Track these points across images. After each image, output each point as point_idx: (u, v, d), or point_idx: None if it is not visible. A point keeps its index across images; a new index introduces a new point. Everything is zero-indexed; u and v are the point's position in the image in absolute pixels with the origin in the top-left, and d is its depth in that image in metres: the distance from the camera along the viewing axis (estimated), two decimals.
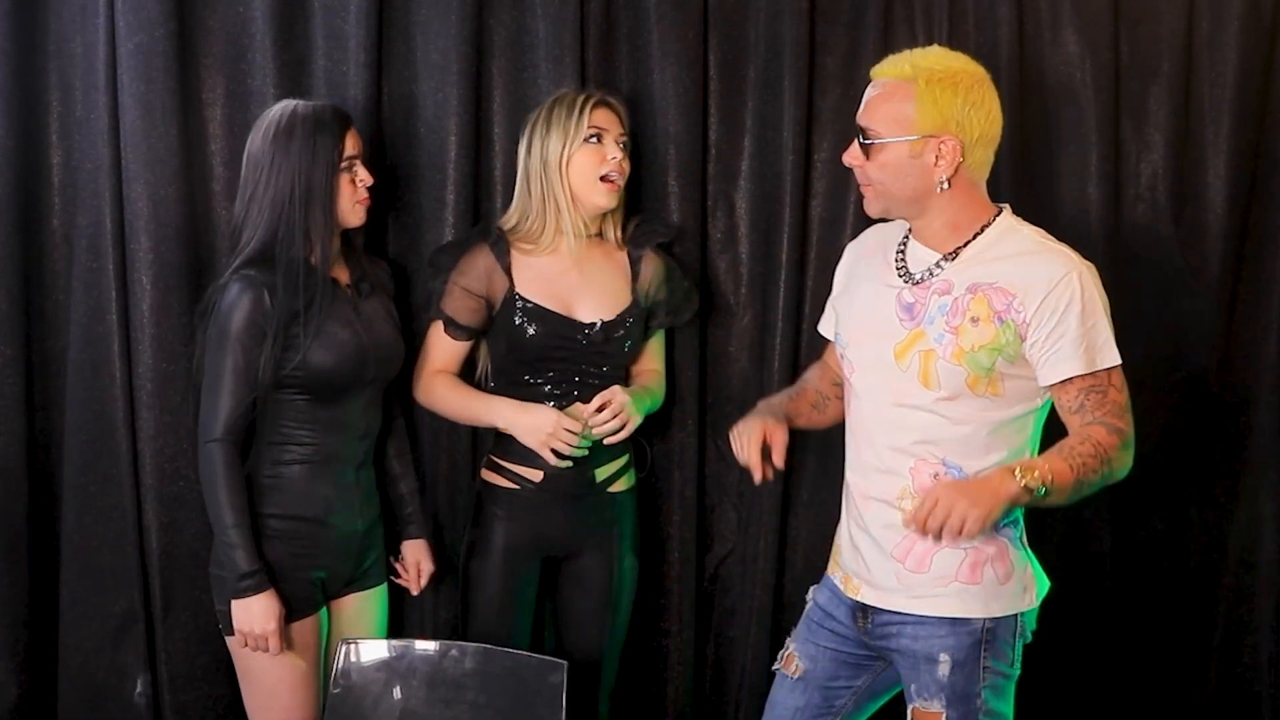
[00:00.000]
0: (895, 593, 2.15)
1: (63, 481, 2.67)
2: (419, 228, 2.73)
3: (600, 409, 2.48)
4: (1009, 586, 2.12)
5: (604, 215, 2.57)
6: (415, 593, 2.65)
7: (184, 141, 2.58)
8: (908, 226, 2.18)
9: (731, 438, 2.26)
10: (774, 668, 2.37)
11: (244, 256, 2.30)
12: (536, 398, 2.52)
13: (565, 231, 2.51)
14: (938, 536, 1.95)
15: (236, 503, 2.29)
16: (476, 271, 2.51)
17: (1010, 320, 2.03)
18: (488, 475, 2.59)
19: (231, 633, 2.37)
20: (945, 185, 2.06)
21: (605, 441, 2.51)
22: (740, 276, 2.88)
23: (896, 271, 2.17)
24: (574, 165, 2.48)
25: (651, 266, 2.63)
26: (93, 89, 2.56)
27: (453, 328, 2.53)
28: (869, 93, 2.12)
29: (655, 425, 2.63)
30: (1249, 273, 2.99)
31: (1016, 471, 1.96)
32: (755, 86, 2.83)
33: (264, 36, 2.61)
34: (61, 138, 2.63)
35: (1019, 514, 2.14)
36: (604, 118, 2.51)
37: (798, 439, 2.88)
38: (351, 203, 2.38)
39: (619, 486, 2.61)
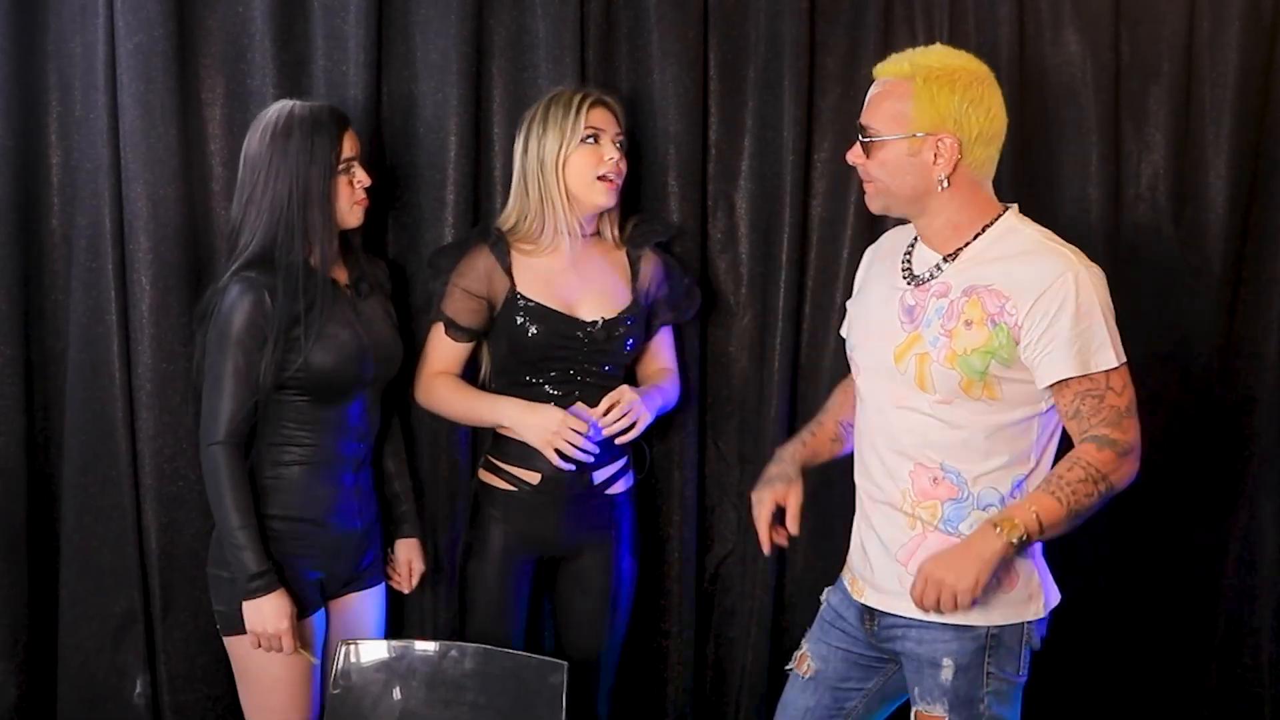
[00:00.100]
0: (898, 596, 2.14)
1: (62, 482, 2.67)
2: (419, 228, 2.73)
3: (609, 410, 2.47)
4: (1012, 595, 2.09)
5: (602, 214, 2.57)
6: (406, 591, 2.65)
7: (183, 141, 2.58)
8: None
9: (753, 500, 2.30)
10: (787, 668, 2.37)
11: (243, 259, 2.30)
12: (538, 397, 2.52)
13: (563, 231, 2.51)
14: (939, 611, 2.00)
15: (242, 504, 2.29)
16: (477, 272, 2.51)
17: (1003, 323, 2.01)
18: (485, 476, 2.59)
19: (230, 633, 2.37)
20: (944, 184, 2.05)
21: (616, 441, 2.50)
22: (740, 276, 2.88)
23: (902, 273, 2.17)
24: (571, 165, 2.48)
25: (651, 265, 2.63)
26: (92, 89, 2.56)
27: (454, 329, 2.53)
28: (870, 91, 2.12)
29: (655, 426, 2.63)
30: (1250, 273, 2.99)
31: (997, 527, 1.98)
32: (755, 86, 2.83)
33: (263, 36, 2.61)
34: (61, 138, 2.63)
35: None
36: (601, 117, 2.51)
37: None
38: (349, 204, 2.38)
39: (617, 488, 2.61)
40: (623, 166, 2.52)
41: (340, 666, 2.37)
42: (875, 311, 2.20)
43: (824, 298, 2.86)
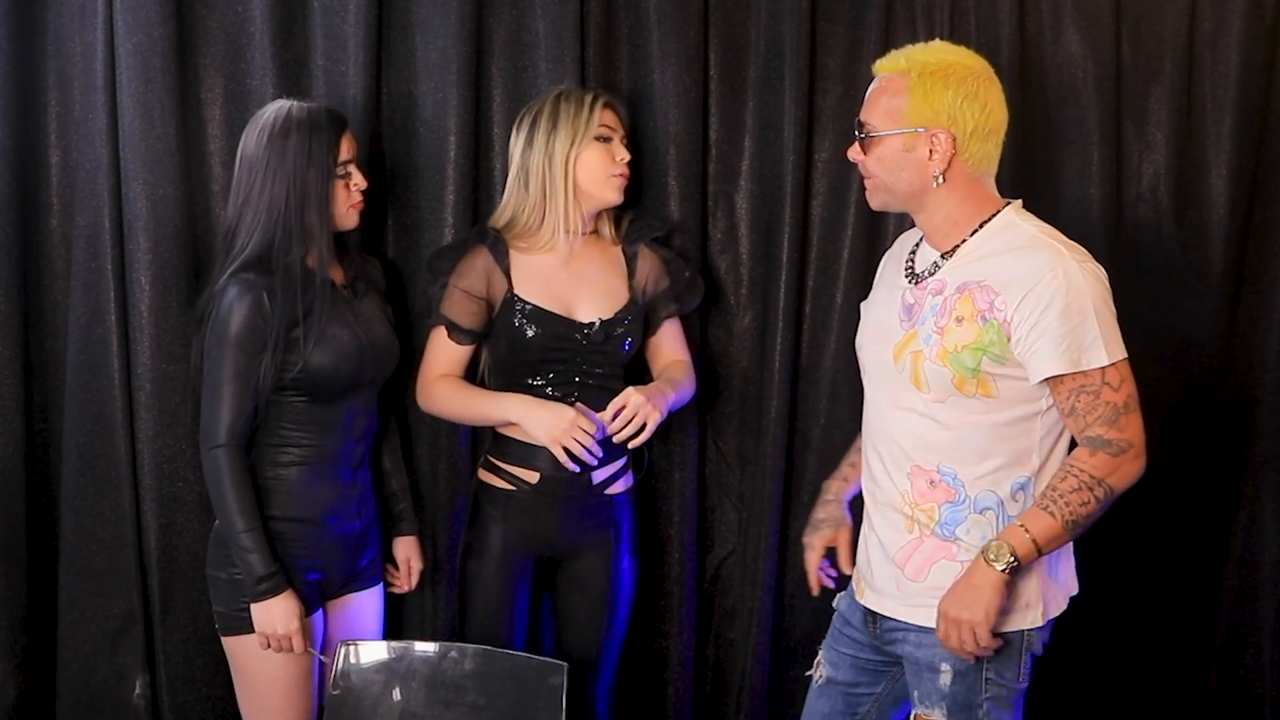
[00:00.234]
0: (893, 599, 2.14)
1: (61, 483, 2.67)
2: (418, 228, 2.72)
3: (616, 414, 2.45)
4: (1011, 603, 2.06)
5: (601, 212, 2.57)
6: (406, 590, 2.65)
7: (183, 141, 2.58)
8: None
9: (804, 544, 2.38)
10: (806, 674, 2.37)
11: (240, 260, 2.29)
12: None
13: (564, 228, 2.51)
14: (971, 656, 2.03)
15: (246, 507, 2.28)
16: (476, 273, 2.50)
17: (993, 319, 1.99)
18: (484, 476, 2.58)
19: (229, 634, 2.37)
20: (940, 180, 2.04)
21: (630, 445, 2.48)
22: (740, 277, 2.87)
23: (904, 272, 2.17)
24: (583, 162, 2.47)
25: (648, 262, 2.63)
26: (91, 89, 2.56)
27: (455, 332, 2.52)
28: (869, 87, 2.12)
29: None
30: (1251, 273, 2.99)
31: (989, 555, 1.98)
32: (756, 86, 2.83)
33: (263, 36, 2.60)
34: (60, 137, 2.63)
35: None
36: (611, 118, 2.51)
37: (799, 440, 2.89)
38: (345, 207, 2.37)
39: (617, 488, 2.60)
40: (629, 168, 2.54)
41: (340, 667, 2.36)
42: (879, 312, 2.20)
43: (824, 298, 2.86)
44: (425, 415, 2.64)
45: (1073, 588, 2.18)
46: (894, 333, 2.12)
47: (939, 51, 2.08)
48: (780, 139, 2.78)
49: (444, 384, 2.53)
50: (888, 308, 2.17)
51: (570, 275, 2.54)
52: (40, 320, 2.66)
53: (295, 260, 2.29)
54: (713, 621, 2.98)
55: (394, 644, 2.42)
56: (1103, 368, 1.97)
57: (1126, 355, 2.00)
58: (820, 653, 2.34)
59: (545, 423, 2.44)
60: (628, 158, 2.52)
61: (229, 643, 2.39)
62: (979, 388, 2.02)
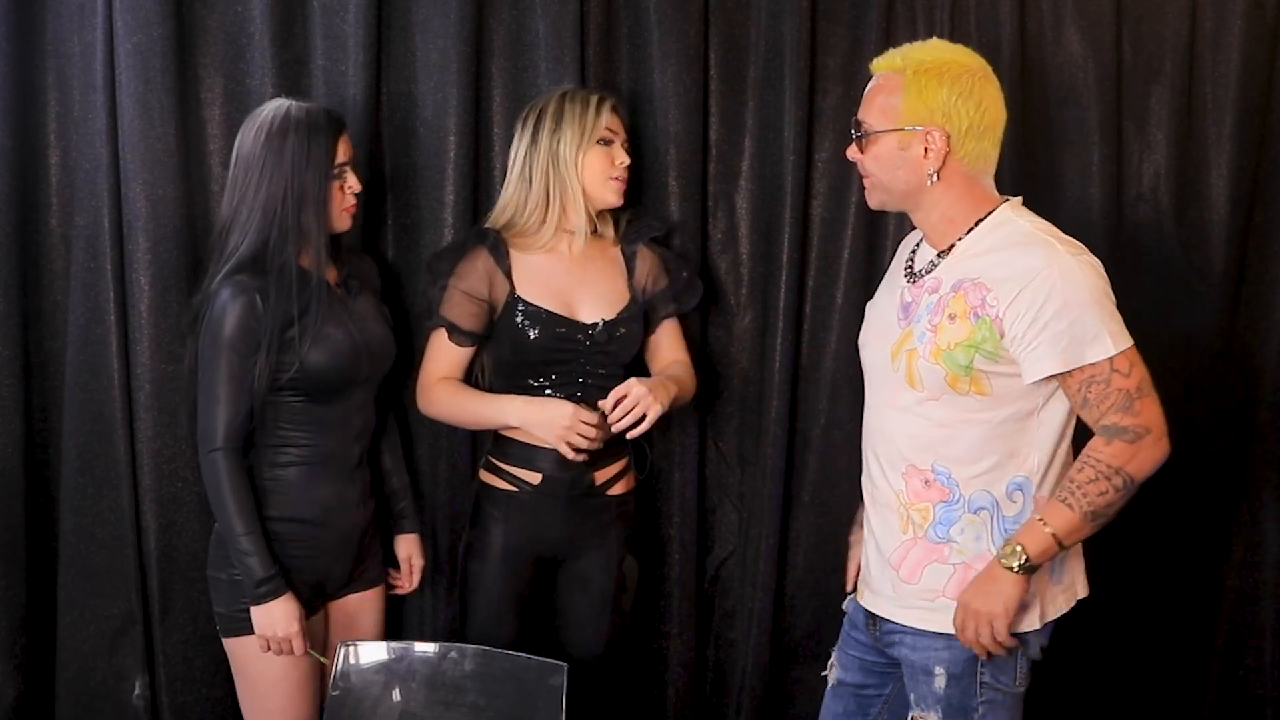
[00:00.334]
0: (889, 600, 2.15)
1: (60, 483, 2.66)
2: (418, 228, 2.72)
3: (617, 404, 2.44)
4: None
5: (600, 212, 2.57)
6: (407, 590, 2.64)
7: (182, 141, 2.58)
8: None
9: (850, 542, 2.38)
10: (822, 674, 2.37)
11: (234, 261, 2.28)
12: None
13: (568, 228, 2.51)
14: (985, 652, 2.03)
15: (245, 510, 2.27)
16: (477, 274, 2.49)
17: (985, 316, 1.98)
18: (486, 477, 2.58)
19: (230, 635, 2.37)
20: (934, 178, 2.04)
21: (628, 435, 2.47)
22: (741, 277, 2.87)
23: (904, 271, 2.17)
24: (586, 163, 2.47)
25: (647, 261, 2.62)
26: (91, 88, 2.56)
27: (457, 333, 2.51)
28: (867, 86, 2.12)
29: (656, 426, 2.62)
30: (1252, 273, 2.99)
31: (1002, 556, 1.99)
32: (756, 86, 2.83)
33: (262, 36, 2.60)
34: (59, 137, 2.62)
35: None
36: (615, 122, 2.51)
37: (799, 440, 2.89)
38: (339, 210, 2.36)
39: (619, 489, 2.60)
40: (628, 171, 2.54)
41: (339, 668, 2.36)
42: (880, 311, 2.20)
43: (824, 298, 2.86)
44: (425, 416, 2.64)
45: (1080, 590, 2.16)
46: (892, 331, 2.12)
47: (936, 49, 2.08)
48: (780, 139, 2.78)
49: (444, 387, 2.53)
50: (888, 307, 2.17)
51: (571, 276, 2.53)
52: (39, 320, 2.65)
53: (290, 260, 2.28)
54: (713, 622, 2.98)
55: (394, 644, 2.41)
56: (1110, 357, 1.95)
57: (1132, 342, 1.98)
58: (833, 654, 2.34)
59: (547, 422, 2.44)
60: (627, 162, 2.52)
61: (230, 644, 2.39)
62: (972, 385, 2.01)
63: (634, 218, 2.64)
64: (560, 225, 2.51)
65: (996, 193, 2.10)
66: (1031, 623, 2.09)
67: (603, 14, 2.76)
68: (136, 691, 2.68)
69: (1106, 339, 1.95)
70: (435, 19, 2.65)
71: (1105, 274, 2.01)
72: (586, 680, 2.61)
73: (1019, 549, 1.98)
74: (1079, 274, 1.97)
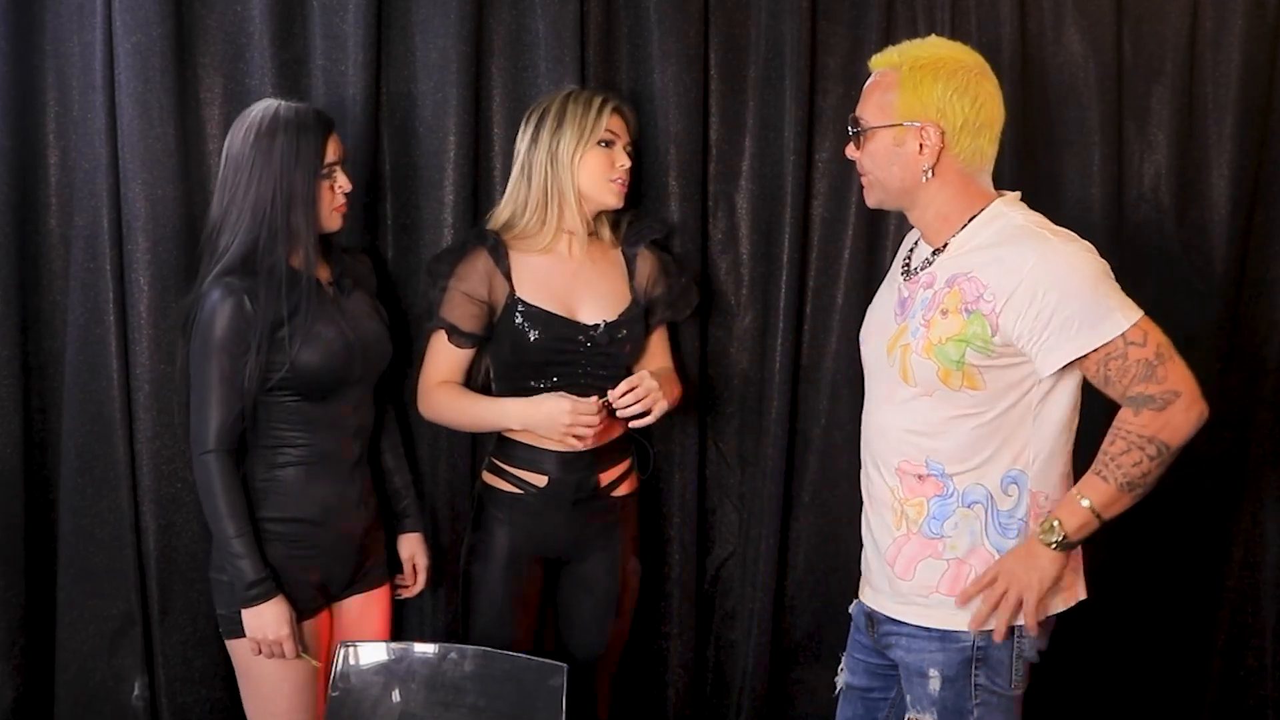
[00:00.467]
0: (887, 596, 2.15)
1: (59, 484, 2.66)
2: (418, 228, 2.72)
3: (626, 393, 2.43)
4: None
5: (599, 214, 2.56)
6: (415, 593, 2.63)
7: (181, 141, 2.57)
8: None
9: None
10: (834, 678, 2.37)
11: (224, 262, 2.27)
12: None
13: (567, 229, 2.50)
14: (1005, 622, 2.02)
15: (237, 512, 2.27)
16: (477, 276, 2.49)
17: (979, 311, 1.97)
18: (489, 479, 2.57)
19: (232, 637, 2.36)
20: (929, 174, 2.04)
21: (631, 424, 2.47)
22: (741, 277, 2.87)
23: (902, 268, 2.17)
24: (585, 164, 2.47)
25: (648, 263, 2.62)
26: (90, 88, 2.55)
27: (457, 335, 2.50)
28: (865, 83, 2.11)
29: (656, 426, 2.62)
30: (1253, 273, 2.98)
31: (1039, 534, 1.99)
32: (756, 86, 2.82)
33: (262, 36, 2.60)
34: (59, 137, 2.62)
35: (1018, 530, 2.07)
36: (617, 124, 2.51)
37: (800, 440, 2.88)
38: (329, 209, 2.35)
39: (623, 490, 2.60)
40: (629, 176, 2.53)
41: (339, 669, 2.35)
42: (879, 308, 2.21)
43: (825, 298, 2.85)
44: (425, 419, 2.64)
45: (1079, 592, 2.14)
46: (888, 327, 2.12)
47: (934, 46, 2.08)
48: (781, 139, 2.77)
49: (444, 391, 2.52)
50: (884, 303, 2.18)
51: (571, 277, 2.53)
52: (39, 321, 2.65)
53: (279, 260, 2.28)
54: (713, 623, 2.97)
55: (393, 645, 2.41)
56: (1122, 332, 1.94)
57: (1143, 313, 1.97)
58: (842, 660, 2.34)
59: (547, 419, 2.43)
60: (628, 164, 2.51)
61: (233, 646, 2.38)
62: (965, 380, 2.01)
63: (634, 220, 2.64)
64: (560, 226, 2.50)
65: (993, 190, 2.10)
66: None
67: (603, 14, 2.76)
68: (136, 692, 2.67)
69: (1115, 314, 1.95)
70: (435, 19, 2.65)
71: (1101, 258, 2.01)
72: (590, 682, 2.61)
73: (1056, 524, 1.99)
74: (1073, 260, 1.97)
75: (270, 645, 2.29)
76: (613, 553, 2.59)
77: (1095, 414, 2.07)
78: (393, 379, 2.56)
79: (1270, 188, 2.95)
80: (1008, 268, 1.96)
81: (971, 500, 2.05)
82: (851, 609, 2.33)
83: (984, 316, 1.97)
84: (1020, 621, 2.03)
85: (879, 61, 2.09)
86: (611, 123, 2.49)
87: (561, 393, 2.45)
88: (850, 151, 2.13)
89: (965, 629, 2.06)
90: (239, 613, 2.31)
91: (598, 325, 2.51)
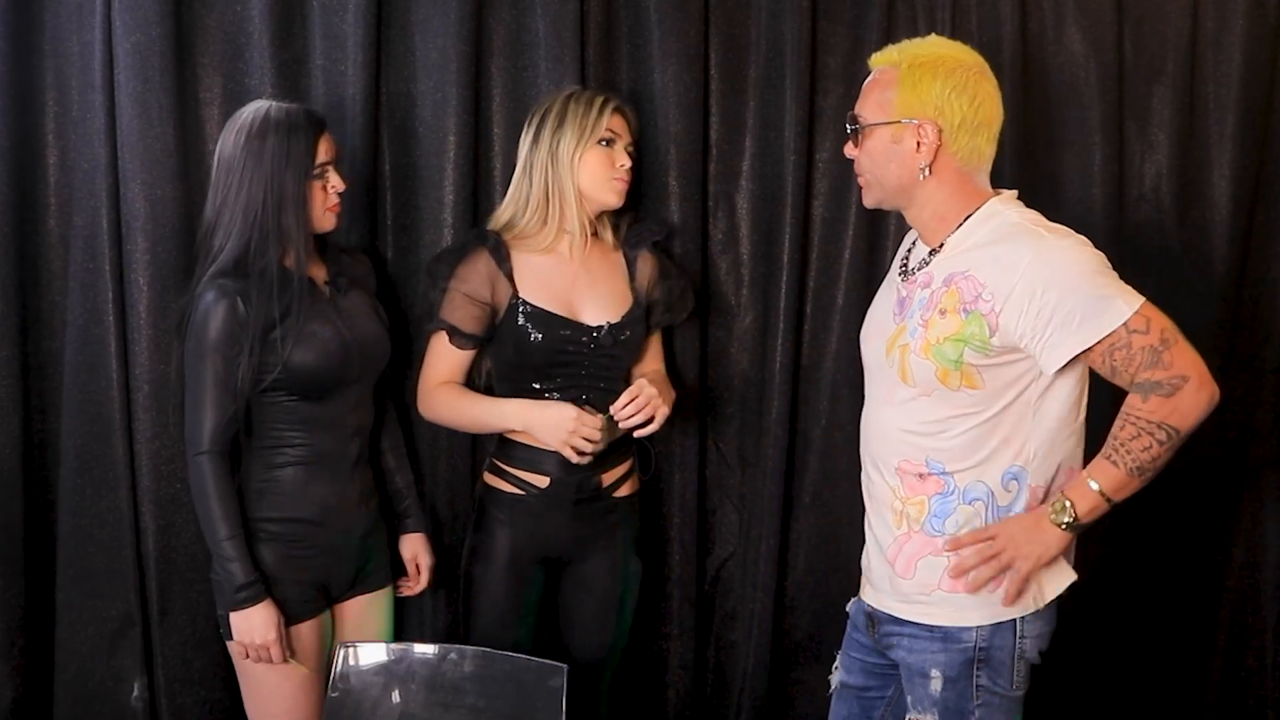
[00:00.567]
0: (888, 595, 2.15)
1: (59, 484, 2.66)
2: (418, 228, 2.71)
3: (628, 404, 2.42)
4: (995, 595, 2.06)
5: (600, 215, 2.56)
6: (418, 592, 2.63)
7: (181, 141, 2.57)
8: None
9: None
10: (829, 677, 2.37)
11: (217, 264, 2.27)
12: None
13: (568, 229, 2.50)
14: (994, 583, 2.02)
15: (229, 515, 2.27)
16: (479, 277, 2.48)
17: (977, 311, 1.97)
18: (490, 480, 2.57)
19: (232, 638, 2.35)
20: (926, 173, 2.03)
21: (635, 434, 2.47)
22: (741, 277, 2.86)
23: (900, 268, 2.17)
24: (585, 164, 2.47)
25: (648, 265, 2.62)
26: (89, 88, 2.55)
27: (458, 337, 2.49)
28: (865, 81, 2.11)
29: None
30: (1254, 273, 2.98)
31: (1050, 513, 1.99)
32: (757, 86, 2.82)
33: (261, 35, 2.59)
34: (58, 137, 2.61)
35: None
36: (618, 123, 2.51)
37: (800, 441, 2.88)
38: (322, 209, 2.34)
39: (624, 491, 2.59)
40: (629, 175, 2.52)
41: (338, 669, 2.35)
42: (879, 308, 2.21)
43: (825, 298, 2.85)
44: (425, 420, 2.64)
45: (1069, 574, 2.11)
46: (887, 328, 2.13)
47: (933, 45, 2.08)
48: (781, 139, 2.77)
49: (444, 392, 2.52)
50: (883, 304, 2.18)
51: (573, 278, 2.52)
52: (38, 321, 2.64)
53: (272, 262, 2.27)
54: (713, 624, 2.97)
55: (393, 646, 2.41)
56: (1124, 321, 1.94)
57: (1144, 299, 1.96)
58: (837, 658, 2.34)
59: (550, 425, 2.43)
60: (628, 164, 2.51)
61: (234, 647, 2.37)
62: (963, 380, 2.00)
63: (635, 221, 2.64)
64: (561, 225, 2.50)
65: (991, 190, 2.10)
66: (1026, 605, 2.07)
67: (603, 14, 2.76)
68: (135, 693, 2.67)
69: (1116, 303, 1.94)
70: (435, 18, 2.65)
71: (1098, 250, 2.00)
72: (590, 682, 2.61)
73: (1068, 505, 1.99)
74: (1069, 254, 1.97)
75: (257, 649, 2.29)
76: (614, 554, 2.59)
77: (1104, 400, 2.07)
78: (393, 379, 2.56)
79: (1271, 188, 2.95)
80: (1004, 266, 1.96)
81: (973, 497, 2.05)
82: (849, 607, 2.33)
83: (983, 316, 1.97)
84: (1001, 589, 2.02)
85: (879, 59, 2.09)
86: (612, 122, 2.49)
87: (570, 404, 2.44)
88: (849, 151, 2.13)
89: (967, 625, 2.05)
90: None
91: (602, 326, 2.51)
